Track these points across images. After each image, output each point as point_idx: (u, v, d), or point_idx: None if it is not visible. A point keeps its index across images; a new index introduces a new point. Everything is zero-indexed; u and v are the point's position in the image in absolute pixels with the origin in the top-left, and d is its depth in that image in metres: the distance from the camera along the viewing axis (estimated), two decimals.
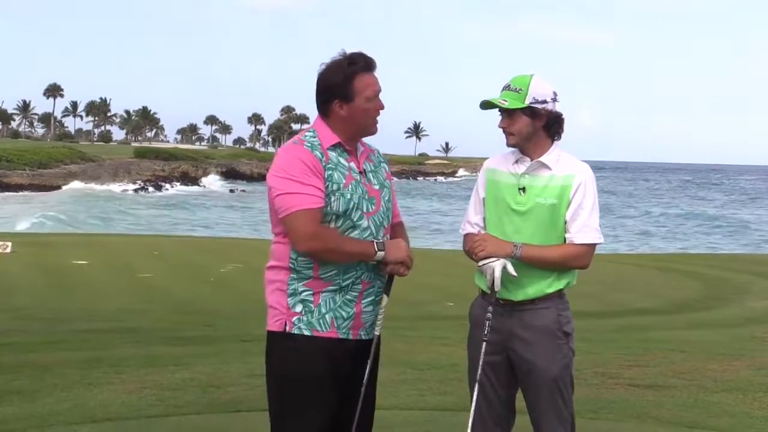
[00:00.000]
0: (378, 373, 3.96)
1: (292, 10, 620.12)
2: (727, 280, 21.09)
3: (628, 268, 23.55)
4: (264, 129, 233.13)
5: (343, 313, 3.74)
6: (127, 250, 25.31)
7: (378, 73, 3.82)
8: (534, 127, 4.06)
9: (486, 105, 4.08)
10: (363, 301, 3.77)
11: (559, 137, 4.16)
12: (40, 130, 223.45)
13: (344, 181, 3.72)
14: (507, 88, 4.08)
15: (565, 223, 4.08)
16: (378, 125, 3.85)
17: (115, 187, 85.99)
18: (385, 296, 3.80)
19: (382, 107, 3.82)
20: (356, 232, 3.73)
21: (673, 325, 13.95)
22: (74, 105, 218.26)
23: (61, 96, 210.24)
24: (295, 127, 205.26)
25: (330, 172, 3.70)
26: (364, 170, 3.81)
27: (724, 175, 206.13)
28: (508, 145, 4.13)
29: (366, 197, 3.76)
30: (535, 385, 4.16)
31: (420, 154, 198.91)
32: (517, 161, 4.14)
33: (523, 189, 4.08)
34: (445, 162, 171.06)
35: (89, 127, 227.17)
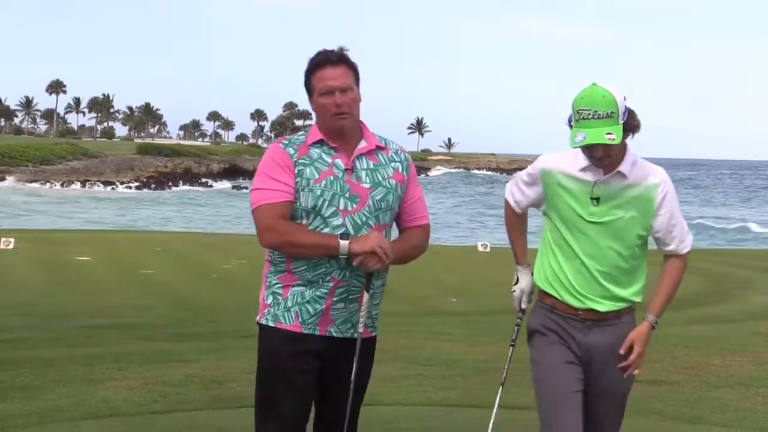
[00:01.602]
0: (371, 371, 3.90)
1: (294, 6, 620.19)
2: (729, 276, 21.07)
3: None
4: (267, 125, 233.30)
5: (310, 309, 3.70)
6: (130, 246, 25.31)
7: (364, 70, 3.73)
8: (625, 139, 3.75)
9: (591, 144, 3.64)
10: (333, 298, 3.69)
11: (632, 137, 3.81)
12: (42, 127, 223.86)
13: (317, 177, 3.66)
14: (597, 116, 3.62)
15: (657, 237, 3.87)
16: (346, 121, 3.68)
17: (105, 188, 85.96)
18: (365, 294, 3.68)
19: (335, 103, 3.64)
20: (327, 229, 3.64)
21: (676, 320, 13.92)
22: (77, 101, 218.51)
23: (64, 92, 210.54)
24: (298, 123, 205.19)
25: (302, 167, 3.67)
26: (354, 167, 3.70)
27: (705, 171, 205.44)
28: (598, 165, 3.76)
29: (346, 194, 3.66)
30: (608, 399, 4.03)
31: (422, 150, 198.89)
32: (585, 168, 3.80)
33: (597, 199, 3.79)
34: (447, 158, 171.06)
35: (92, 123, 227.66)
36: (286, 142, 3.75)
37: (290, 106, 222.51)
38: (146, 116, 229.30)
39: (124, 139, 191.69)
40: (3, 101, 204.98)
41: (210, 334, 10.79)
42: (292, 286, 3.70)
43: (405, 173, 3.82)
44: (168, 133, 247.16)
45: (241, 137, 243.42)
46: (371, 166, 3.75)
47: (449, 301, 16.51)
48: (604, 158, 3.68)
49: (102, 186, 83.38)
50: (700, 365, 8.62)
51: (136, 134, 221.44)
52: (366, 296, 3.68)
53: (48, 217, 51.17)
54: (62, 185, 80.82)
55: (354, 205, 3.66)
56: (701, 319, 14.05)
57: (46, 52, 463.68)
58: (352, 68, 3.70)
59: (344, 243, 3.58)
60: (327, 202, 3.64)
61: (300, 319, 3.70)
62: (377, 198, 3.71)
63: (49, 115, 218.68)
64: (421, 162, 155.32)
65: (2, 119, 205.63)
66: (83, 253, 22.23)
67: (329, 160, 3.69)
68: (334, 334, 3.73)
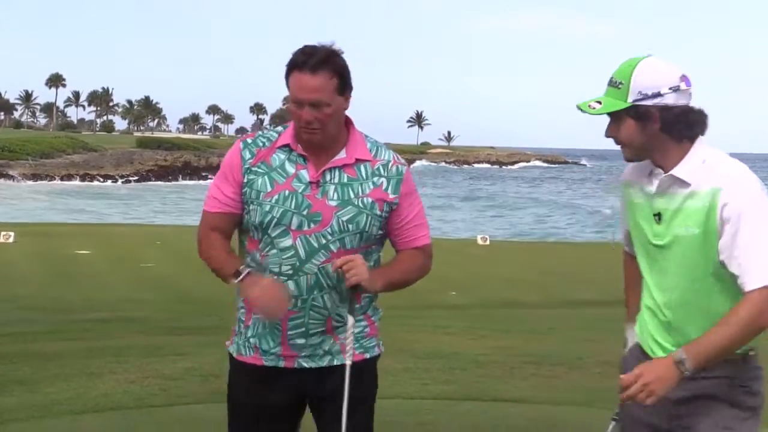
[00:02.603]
0: (375, 391, 3.44)
1: None
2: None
3: None
4: (266, 118, 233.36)
5: (270, 341, 3.21)
6: (130, 239, 25.31)
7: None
8: (647, 132, 2.91)
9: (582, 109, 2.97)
10: (289, 332, 3.17)
11: (702, 134, 2.93)
12: (42, 120, 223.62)
13: (269, 189, 3.13)
14: (610, 82, 2.96)
15: (721, 261, 2.85)
16: (315, 137, 3.10)
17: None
18: (350, 318, 3.12)
19: (302, 118, 3.07)
20: (274, 251, 3.13)
21: None
22: (76, 95, 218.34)
23: (63, 86, 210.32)
24: None
25: (253, 178, 3.15)
26: (322, 181, 3.13)
27: None
28: (626, 159, 3.04)
29: (303, 212, 3.10)
30: None
31: (422, 143, 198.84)
32: (651, 173, 2.99)
33: (659, 215, 2.95)
34: (447, 151, 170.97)
35: (91, 117, 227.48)
36: (250, 141, 3.23)
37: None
38: (145, 110, 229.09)
39: (123, 133, 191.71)
40: (2, 95, 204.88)
41: (210, 327, 10.78)
42: (254, 312, 3.22)
43: (391, 191, 3.19)
44: (167, 126, 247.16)
45: (241, 130, 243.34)
46: (345, 180, 3.16)
47: (449, 294, 16.52)
48: (618, 144, 2.99)
49: (101, 180, 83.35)
50: None
51: (136, 128, 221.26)
52: (351, 320, 3.14)
53: (48, 211, 51.16)
54: (61, 179, 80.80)
55: (312, 225, 3.11)
56: None
57: (46, 46, 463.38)
58: (337, 74, 3.08)
59: (233, 281, 3.13)
60: (275, 220, 3.11)
61: (260, 351, 3.24)
62: (344, 219, 3.13)
63: (48, 108, 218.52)
64: (420, 155, 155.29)
65: (2, 113, 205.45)
66: (83, 247, 22.24)
67: (292, 170, 3.15)
68: (305, 365, 3.23)
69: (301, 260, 3.12)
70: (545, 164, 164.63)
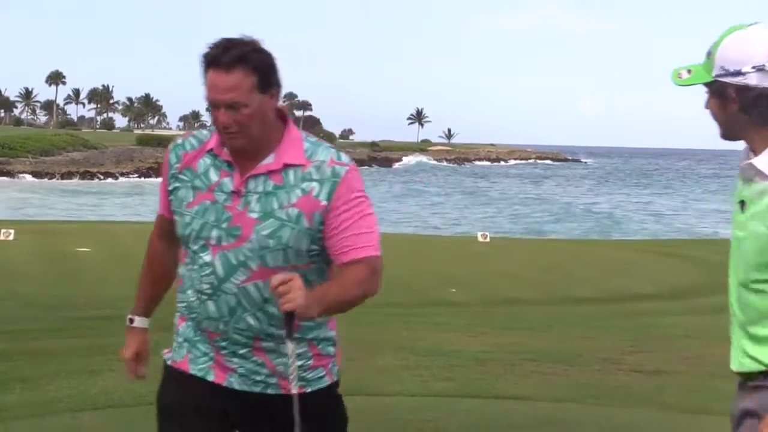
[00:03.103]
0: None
1: None
2: (728, 265, 21.05)
3: (628, 254, 23.55)
4: None
5: (202, 349, 2.92)
6: (130, 237, 25.30)
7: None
8: (727, 112, 2.61)
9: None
10: (221, 352, 2.87)
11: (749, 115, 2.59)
12: (42, 118, 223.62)
13: (190, 199, 2.82)
14: (708, 50, 2.62)
15: None
16: (236, 142, 2.73)
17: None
18: (289, 343, 2.70)
19: (218, 121, 2.72)
20: (196, 267, 2.82)
21: (676, 310, 13.96)
22: (76, 92, 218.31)
23: (63, 83, 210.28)
24: (297, 113, 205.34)
25: (178, 184, 2.86)
26: (245, 191, 2.76)
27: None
28: (720, 136, 2.71)
29: (223, 225, 2.76)
30: None
31: (422, 141, 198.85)
32: (747, 156, 2.66)
33: (743, 203, 2.65)
34: (447, 148, 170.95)
35: (91, 114, 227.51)
36: (180, 142, 2.91)
37: (290, 96, 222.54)
38: (146, 107, 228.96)
39: (123, 130, 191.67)
40: (2, 92, 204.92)
41: None
42: (186, 318, 2.99)
43: (323, 196, 2.75)
44: (168, 123, 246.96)
45: None
46: (270, 188, 2.76)
47: (449, 291, 16.51)
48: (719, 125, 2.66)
49: (102, 178, 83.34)
50: (699, 355, 8.62)
51: (136, 125, 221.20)
52: (291, 346, 2.72)
53: (48, 209, 51.17)
54: (61, 177, 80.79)
55: (232, 240, 2.75)
56: (700, 308, 14.06)
57: (46, 43, 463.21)
58: (256, 70, 2.70)
59: (128, 320, 3.15)
60: (195, 233, 2.80)
61: (189, 358, 2.94)
62: (263, 233, 2.73)
63: (48, 106, 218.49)
64: (421, 153, 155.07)
65: (2, 110, 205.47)
66: (84, 244, 22.22)
67: (215, 178, 2.79)
68: (236, 387, 2.87)
69: (219, 279, 2.77)
70: (547, 162, 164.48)
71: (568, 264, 21.85)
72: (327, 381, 2.95)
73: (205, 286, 2.81)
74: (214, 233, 2.77)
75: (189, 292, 2.88)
